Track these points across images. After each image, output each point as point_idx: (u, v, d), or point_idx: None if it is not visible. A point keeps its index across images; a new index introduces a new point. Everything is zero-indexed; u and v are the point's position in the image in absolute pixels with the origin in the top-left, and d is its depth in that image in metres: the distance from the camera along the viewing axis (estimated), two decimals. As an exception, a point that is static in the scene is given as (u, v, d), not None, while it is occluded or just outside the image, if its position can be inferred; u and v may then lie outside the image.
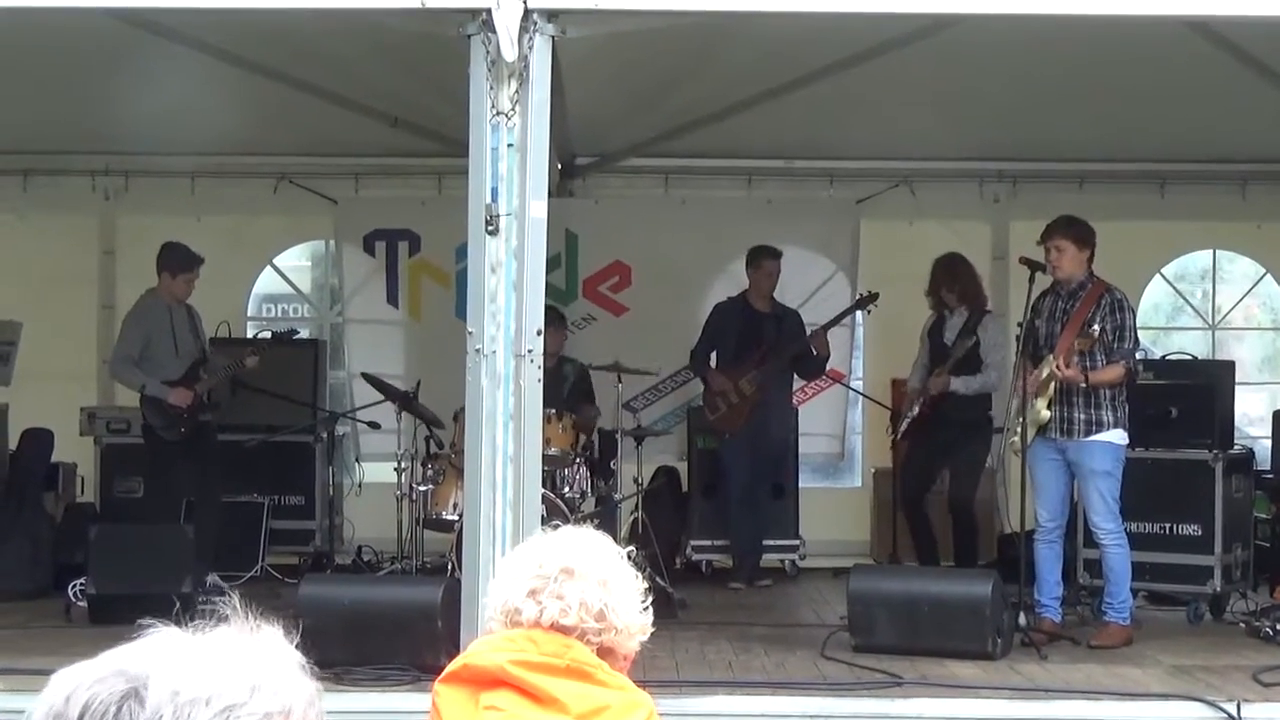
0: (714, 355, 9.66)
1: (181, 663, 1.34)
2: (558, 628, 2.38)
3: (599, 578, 2.43)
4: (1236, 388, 8.98)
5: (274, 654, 1.40)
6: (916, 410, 8.91)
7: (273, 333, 9.86)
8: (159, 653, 1.35)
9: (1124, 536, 7.43)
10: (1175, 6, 5.99)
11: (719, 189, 10.49)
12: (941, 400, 8.81)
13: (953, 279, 8.99)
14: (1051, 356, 7.37)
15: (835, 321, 9.52)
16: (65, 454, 9.81)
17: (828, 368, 9.83)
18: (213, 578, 8.59)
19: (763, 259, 9.51)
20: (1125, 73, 7.95)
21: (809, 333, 9.55)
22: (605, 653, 2.42)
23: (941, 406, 8.82)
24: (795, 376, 9.84)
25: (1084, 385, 7.30)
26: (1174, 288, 11.51)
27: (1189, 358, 9.34)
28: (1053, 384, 7.41)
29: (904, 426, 9.03)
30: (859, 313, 10.44)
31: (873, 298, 9.60)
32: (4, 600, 8.39)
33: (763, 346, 9.49)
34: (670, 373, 10.15)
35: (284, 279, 11.38)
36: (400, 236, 10.49)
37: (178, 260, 8.76)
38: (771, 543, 9.77)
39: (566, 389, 9.32)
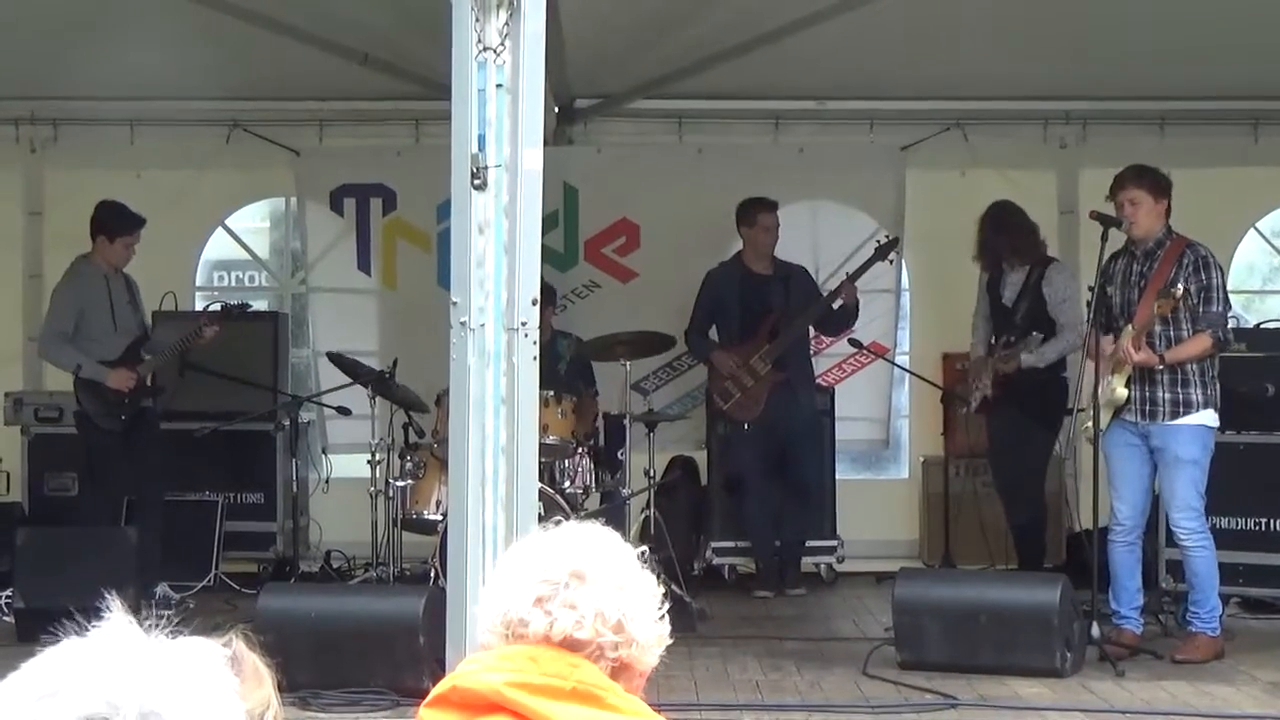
0: (714, 333, 9.66)
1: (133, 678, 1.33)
2: (570, 642, 2.37)
3: (615, 582, 2.40)
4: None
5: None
6: (989, 388, 8.88)
7: (223, 305, 9.80)
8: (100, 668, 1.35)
9: (1209, 536, 7.42)
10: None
11: (741, 135, 10.48)
12: (1013, 374, 8.82)
13: (1000, 234, 8.95)
14: (1130, 328, 7.36)
15: (856, 277, 9.49)
16: (-14, 446, 9.86)
17: (855, 324, 9.80)
18: (162, 588, 8.63)
19: (758, 213, 9.50)
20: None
21: (828, 290, 9.56)
22: (621, 670, 2.41)
23: (1013, 377, 8.83)
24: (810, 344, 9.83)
25: (1161, 369, 7.30)
26: (1271, 245, 11.48)
27: (1288, 326, 9.31)
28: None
29: (975, 403, 9.01)
30: (903, 277, 10.43)
31: (893, 244, 9.60)
32: (-83, 614, 8.43)
33: (772, 315, 9.48)
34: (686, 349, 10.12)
35: (238, 242, 11.38)
36: (372, 192, 10.49)
37: (116, 221, 8.75)
38: (805, 543, 9.77)
39: (564, 367, 9.32)
